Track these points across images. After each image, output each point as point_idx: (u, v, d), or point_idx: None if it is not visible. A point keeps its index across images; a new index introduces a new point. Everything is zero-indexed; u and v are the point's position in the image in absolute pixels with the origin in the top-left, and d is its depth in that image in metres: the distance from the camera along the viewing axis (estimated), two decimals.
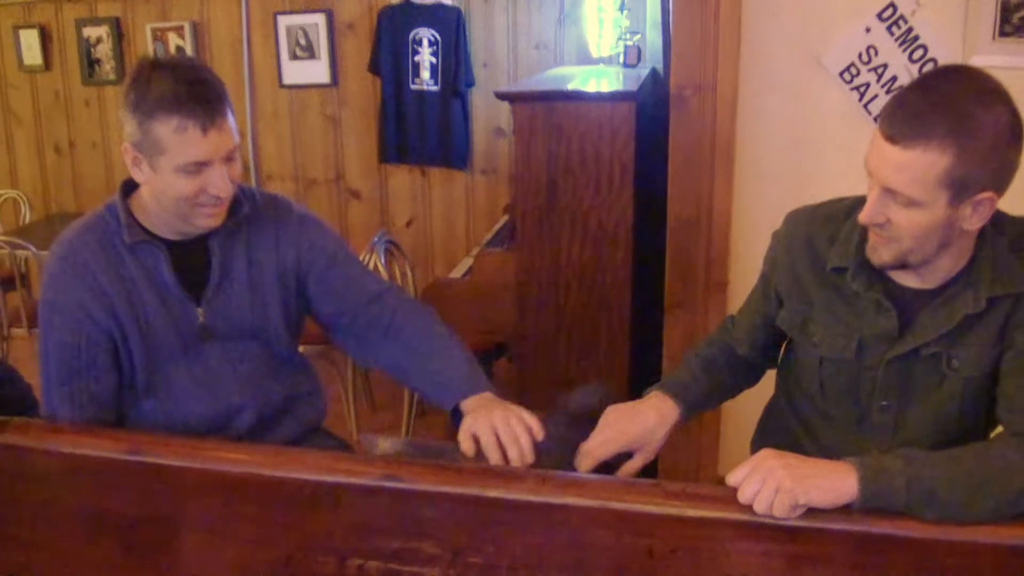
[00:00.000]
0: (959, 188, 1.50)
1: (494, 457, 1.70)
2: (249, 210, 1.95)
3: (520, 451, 1.70)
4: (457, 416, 1.83)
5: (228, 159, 1.81)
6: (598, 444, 1.77)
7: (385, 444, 1.81)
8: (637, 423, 1.80)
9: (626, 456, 1.80)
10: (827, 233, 1.77)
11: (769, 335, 1.94)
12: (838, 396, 1.80)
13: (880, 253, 1.62)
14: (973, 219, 1.55)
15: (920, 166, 1.49)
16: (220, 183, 1.79)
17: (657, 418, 1.82)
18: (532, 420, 1.74)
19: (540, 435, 1.73)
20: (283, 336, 2.03)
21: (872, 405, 1.76)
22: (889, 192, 1.54)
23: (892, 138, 1.51)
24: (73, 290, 1.85)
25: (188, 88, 1.74)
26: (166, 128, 1.73)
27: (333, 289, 2.04)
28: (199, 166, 1.77)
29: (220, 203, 1.84)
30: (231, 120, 1.81)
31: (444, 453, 1.80)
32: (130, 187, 1.92)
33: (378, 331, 2.03)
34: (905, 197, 1.52)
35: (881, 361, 1.71)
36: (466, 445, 1.73)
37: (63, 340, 1.86)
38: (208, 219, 1.85)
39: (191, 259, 1.92)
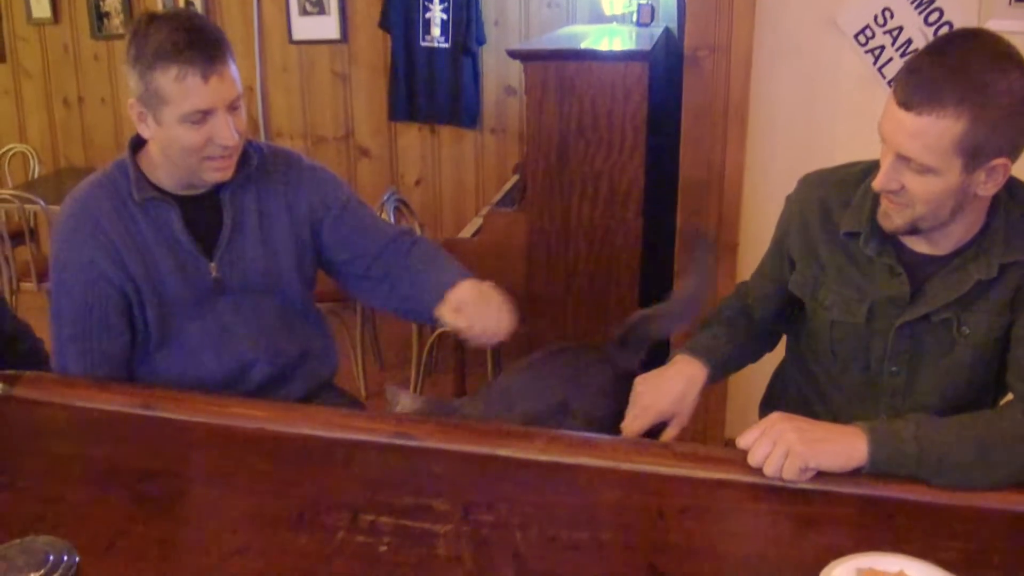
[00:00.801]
0: (973, 155, 1.49)
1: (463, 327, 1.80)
2: (258, 163, 1.95)
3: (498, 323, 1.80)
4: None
5: (232, 108, 1.80)
6: (630, 422, 1.79)
7: (406, 400, 1.82)
8: (665, 395, 1.81)
9: (663, 424, 1.82)
10: (841, 197, 1.76)
11: (784, 300, 1.94)
12: (848, 361, 1.81)
13: (892, 219, 1.62)
14: (987, 185, 1.54)
15: (934, 133, 1.48)
16: (225, 132, 1.79)
17: (685, 384, 1.82)
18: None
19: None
20: (296, 289, 2.03)
21: (882, 370, 1.76)
22: (902, 159, 1.53)
23: (906, 104, 1.50)
24: (85, 248, 1.85)
25: (186, 36, 1.73)
26: (166, 78, 1.73)
27: (346, 237, 2.04)
28: (203, 114, 1.76)
29: (228, 155, 1.84)
30: (233, 69, 1.80)
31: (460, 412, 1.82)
32: (138, 144, 1.91)
33: (394, 276, 2.03)
34: (918, 164, 1.51)
35: (891, 326, 1.71)
36: (450, 317, 1.80)
37: (75, 298, 1.87)
38: (217, 172, 1.85)
39: (202, 214, 1.92)
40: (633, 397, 1.82)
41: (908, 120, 1.49)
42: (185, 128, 1.77)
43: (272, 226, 1.98)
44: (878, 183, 1.59)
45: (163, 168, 1.88)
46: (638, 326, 1.95)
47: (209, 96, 1.75)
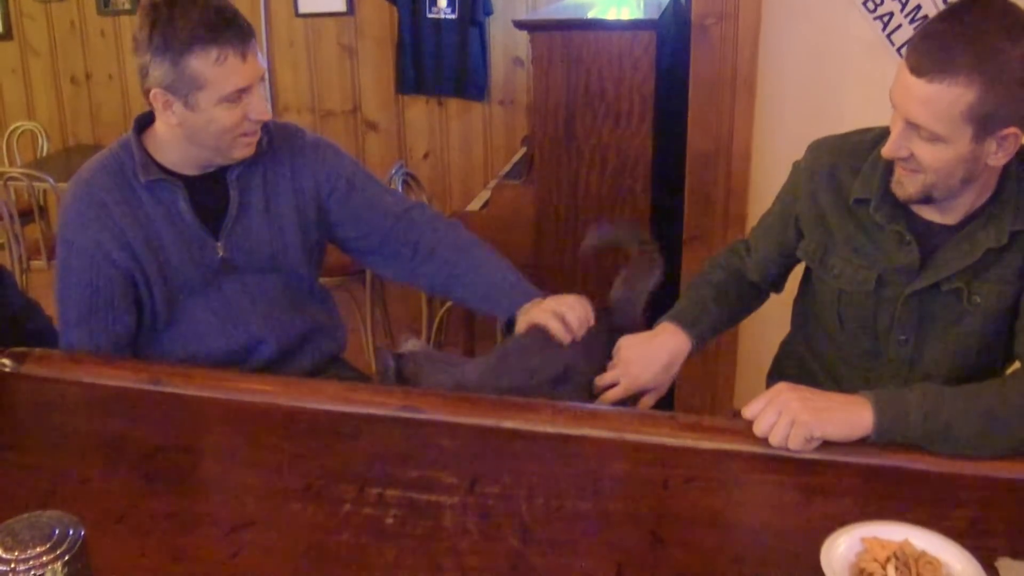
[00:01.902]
0: (984, 123, 1.48)
1: (562, 334, 1.80)
2: (267, 140, 1.95)
3: (578, 318, 1.82)
4: (510, 326, 1.90)
5: (261, 79, 1.83)
6: (612, 392, 1.81)
7: (414, 342, 1.85)
8: (648, 368, 1.81)
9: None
10: (851, 164, 1.75)
11: (783, 264, 1.94)
12: (856, 330, 1.80)
13: (905, 187, 1.61)
14: (998, 155, 1.53)
15: (945, 100, 1.47)
16: (261, 106, 1.81)
17: (668, 357, 1.83)
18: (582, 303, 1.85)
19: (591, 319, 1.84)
20: (303, 266, 2.03)
21: (890, 339, 1.75)
22: (912, 126, 1.52)
23: (917, 71, 1.48)
24: (90, 230, 1.85)
25: (217, 17, 1.74)
26: (205, 61, 1.73)
27: (356, 212, 2.05)
28: (240, 93, 1.78)
29: (258, 128, 1.86)
30: (255, 44, 1.82)
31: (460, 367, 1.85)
32: (142, 124, 1.91)
33: (409, 248, 2.04)
34: (928, 131, 1.50)
35: (900, 295, 1.71)
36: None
37: (81, 280, 1.87)
38: (247, 148, 1.87)
39: (209, 193, 1.92)
40: (616, 361, 1.83)
41: (919, 87, 1.48)
42: (222, 109, 1.78)
43: (278, 204, 1.98)
44: (887, 150, 1.58)
45: (176, 150, 1.88)
46: (622, 290, 1.96)
47: (248, 74, 1.77)
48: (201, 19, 1.72)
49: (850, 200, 1.74)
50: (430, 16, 4.98)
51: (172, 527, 1.35)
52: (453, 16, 4.95)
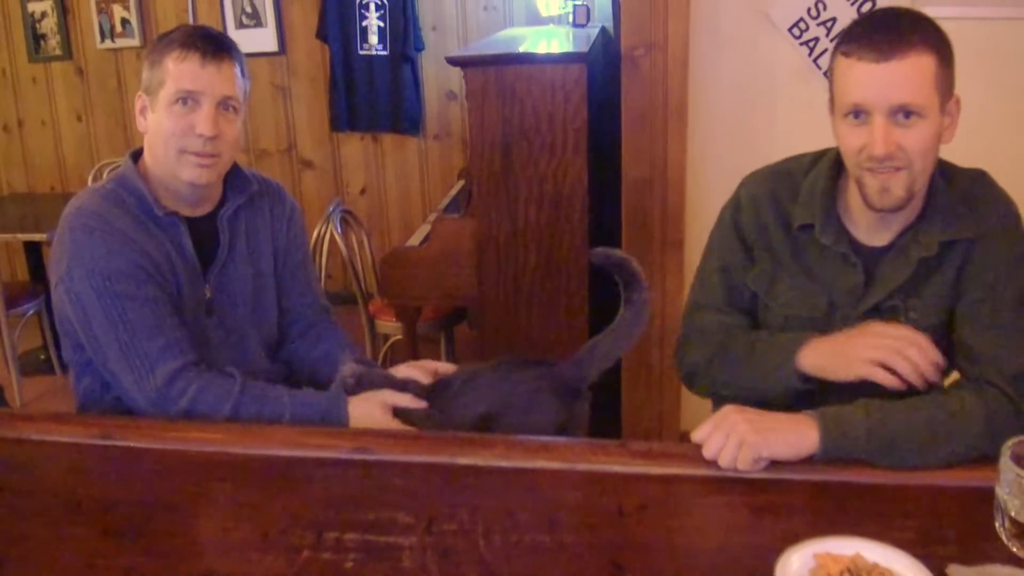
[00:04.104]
0: (944, 90, 1.58)
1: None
2: (256, 189, 2.00)
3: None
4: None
5: (223, 106, 1.84)
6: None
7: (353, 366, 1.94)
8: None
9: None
10: (790, 190, 1.78)
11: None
12: None
13: (892, 190, 1.61)
14: (950, 130, 1.63)
15: (918, 71, 1.55)
16: (206, 123, 1.81)
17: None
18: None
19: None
20: (275, 320, 2.09)
21: None
22: (893, 114, 1.56)
23: (882, 57, 1.55)
24: (122, 254, 1.81)
25: (201, 30, 1.85)
26: (170, 59, 1.81)
27: (297, 286, 2.12)
28: (190, 97, 1.80)
29: (206, 152, 1.84)
30: (238, 73, 1.86)
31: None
32: (135, 161, 1.93)
33: (310, 336, 2.15)
34: (914, 106, 1.55)
35: (848, 317, 1.73)
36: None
37: (132, 299, 1.80)
38: (195, 169, 1.85)
39: (201, 235, 1.94)
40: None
41: (891, 69, 1.55)
42: (170, 112, 1.81)
43: (260, 253, 2.02)
44: (880, 150, 1.57)
45: (162, 185, 1.89)
46: (589, 351, 1.91)
47: (201, 80, 1.81)
48: (188, 32, 1.83)
49: (793, 226, 1.76)
50: (362, 53, 5.00)
51: None
52: (384, 52, 4.98)
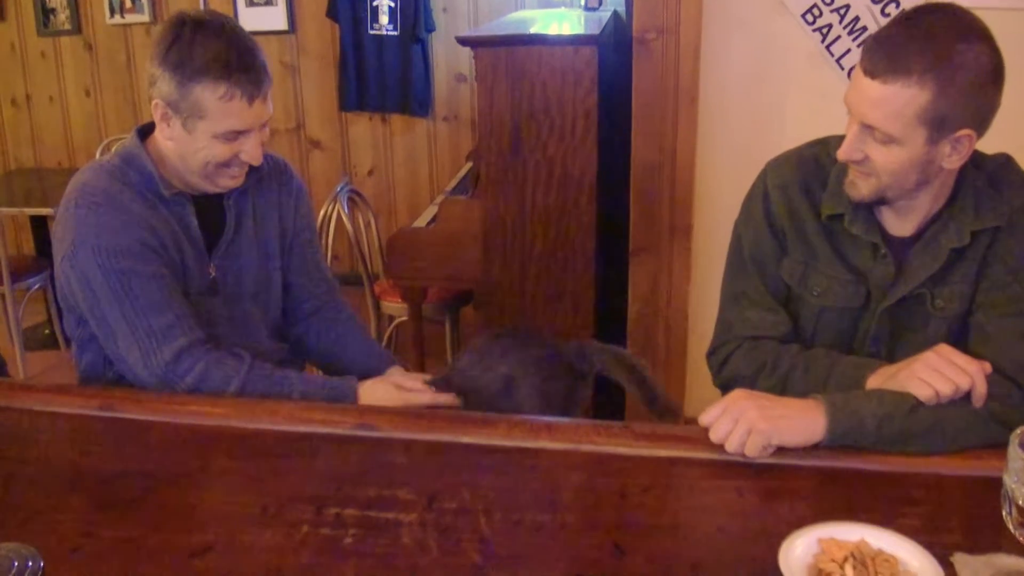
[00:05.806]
0: (938, 125, 1.51)
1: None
2: (266, 169, 1.98)
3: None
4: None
5: (263, 127, 1.81)
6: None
7: None
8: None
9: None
10: (819, 179, 1.75)
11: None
12: (830, 342, 1.79)
13: (859, 187, 1.62)
14: (953, 157, 1.56)
15: (898, 102, 1.50)
16: (255, 152, 1.81)
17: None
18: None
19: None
20: (279, 299, 2.08)
21: (861, 351, 1.76)
22: (867, 128, 1.55)
23: (871, 73, 1.51)
24: (128, 231, 1.79)
25: (238, 57, 1.73)
26: (211, 94, 1.72)
27: (304, 265, 2.10)
28: (237, 134, 1.77)
29: (246, 168, 1.85)
30: (270, 88, 1.81)
31: None
32: (143, 134, 1.90)
33: (321, 317, 2.15)
34: (883, 133, 1.53)
35: (879, 307, 1.72)
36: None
37: (138, 275, 1.79)
38: (231, 180, 1.86)
39: (207, 213, 1.92)
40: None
41: (873, 88, 1.51)
42: (215, 143, 1.77)
43: (266, 232, 2.01)
44: (842, 153, 1.60)
45: (174, 168, 1.86)
46: (599, 351, 1.94)
47: (249, 119, 1.76)
48: (219, 54, 1.71)
49: (823, 216, 1.73)
50: (372, 32, 4.98)
51: (129, 555, 1.32)
52: (395, 32, 4.96)
